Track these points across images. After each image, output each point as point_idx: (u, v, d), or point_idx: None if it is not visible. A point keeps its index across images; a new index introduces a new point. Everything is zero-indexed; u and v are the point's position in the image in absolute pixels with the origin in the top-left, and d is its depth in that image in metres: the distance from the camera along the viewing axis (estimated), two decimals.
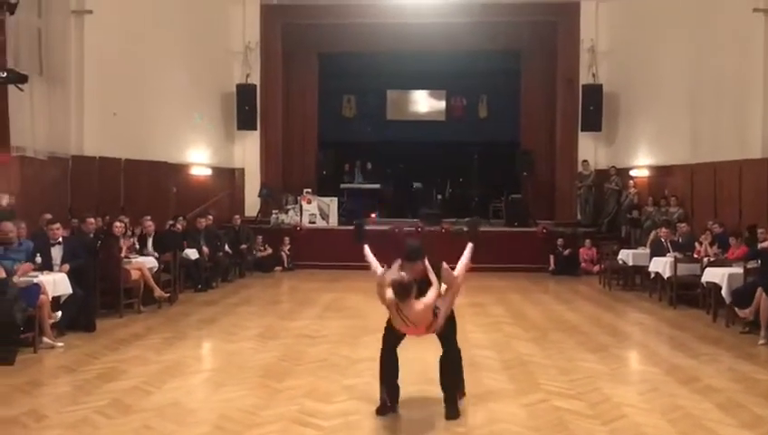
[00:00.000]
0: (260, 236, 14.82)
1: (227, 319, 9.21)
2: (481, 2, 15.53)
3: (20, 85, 10.10)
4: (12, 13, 10.05)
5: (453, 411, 5.03)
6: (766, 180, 11.78)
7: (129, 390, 5.75)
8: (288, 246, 14.98)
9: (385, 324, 5.17)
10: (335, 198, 16.16)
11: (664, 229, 11.74)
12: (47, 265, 8.11)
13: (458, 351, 5.25)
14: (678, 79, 14.08)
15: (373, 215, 16.57)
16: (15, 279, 7.15)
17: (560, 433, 4.81)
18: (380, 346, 5.22)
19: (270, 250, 14.81)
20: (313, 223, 15.67)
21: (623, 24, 15.89)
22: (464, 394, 5.37)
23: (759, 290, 8.01)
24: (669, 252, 10.98)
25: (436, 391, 5.19)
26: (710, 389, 5.88)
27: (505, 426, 4.92)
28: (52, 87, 11.89)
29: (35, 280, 7.38)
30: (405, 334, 5.07)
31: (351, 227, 15.37)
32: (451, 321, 5.15)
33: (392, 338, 5.13)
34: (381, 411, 5.12)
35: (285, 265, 14.83)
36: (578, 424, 4.98)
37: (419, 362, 5.89)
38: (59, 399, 5.57)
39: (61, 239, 8.50)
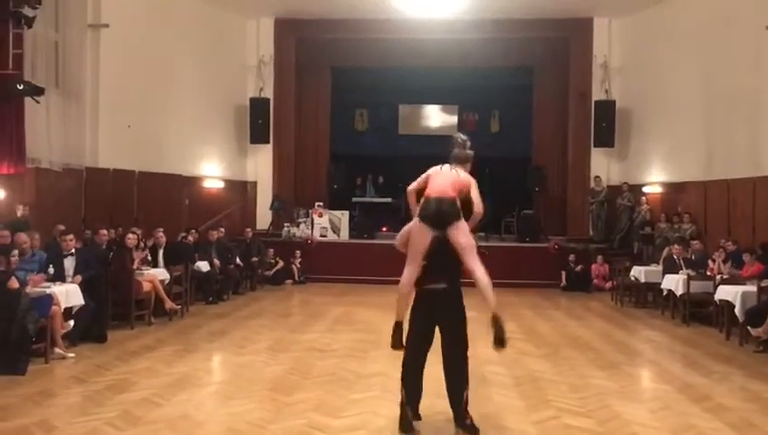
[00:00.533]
0: (271, 249, 14.86)
1: (238, 332, 9.22)
2: (493, 18, 15.58)
3: (36, 97, 10.25)
4: (29, 26, 10.22)
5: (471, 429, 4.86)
6: None
7: (139, 401, 5.77)
8: (299, 260, 15.01)
9: (408, 325, 4.90)
10: (346, 212, 16.20)
11: (677, 246, 11.67)
12: (60, 276, 8.17)
13: (467, 348, 4.94)
14: (691, 95, 14.05)
15: (384, 229, 16.56)
16: (28, 290, 7.20)
17: None
18: (402, 356, 4.93)
19: (281, 263, 14.84)
20: (324, 236, 15.71)
21: (636, 39, 15.89)
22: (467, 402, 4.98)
23: None
24: (682, 269, 10.91)
25: (444, 405, 5.14)
26: (722, 408, 5.82)
27: None
28: (68, 99, 12.05)
29: (48, 291, 7.44)
30: (431, 339, 4.86)
31: (363, 240, 15.54)
32: (462, 315, 4.92)
33: (417, 342, 4.84)
34: (405, 429, 4.89)
35: (296, 278, 14.85)
36: None
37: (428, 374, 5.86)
38: (69, 409, 5.59)
39: (73, 250, 8.56)
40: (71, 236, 8.69)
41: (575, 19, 16.12)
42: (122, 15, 13.10)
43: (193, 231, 12.50)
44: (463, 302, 4.89)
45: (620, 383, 6.65)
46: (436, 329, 4.90)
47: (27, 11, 10.02)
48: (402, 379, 4.90)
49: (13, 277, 6.95)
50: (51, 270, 8.09)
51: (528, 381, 6.66)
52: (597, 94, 16.12)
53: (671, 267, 11.22)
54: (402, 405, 4.90)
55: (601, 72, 16.12)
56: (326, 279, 14.74)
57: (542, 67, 17.69)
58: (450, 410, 4.95)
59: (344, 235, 15.89)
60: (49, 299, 7.26)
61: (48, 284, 7.75)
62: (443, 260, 4.77)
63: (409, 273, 4.81)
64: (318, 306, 11.65)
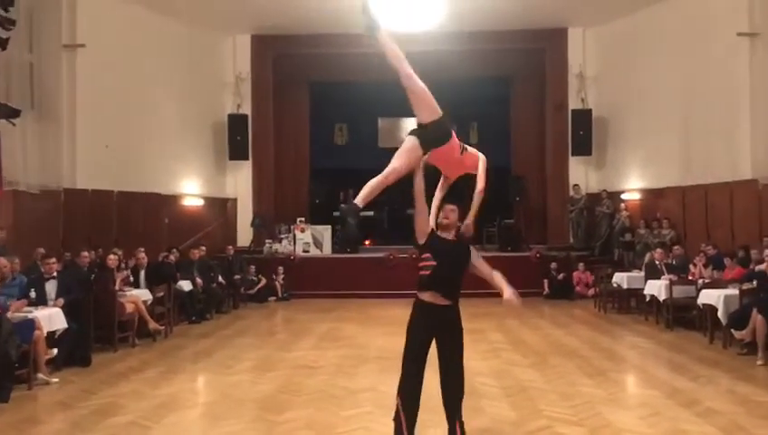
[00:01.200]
0: (253, 266, 14.76)
1: (223, 351, 9.13)
2: (469, 30, 15.70)
3: (12, 120, 10.13)
4: (4, 48, 10.10)
5: None
6: (756, 201, 11.91)
7: (126, 425, 5.68)
8: (282, 276, 14.91)
9: (406, 339, 4.76)
10: (329, 227, 16.15)
11: (659, 251, 11.79)
12: (42, 300, 8.05)
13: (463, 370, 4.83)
14: (667, 102, 14.24)
15: (367, 242, 16.55)
16: (9, 315, 7.08)
17: None
18: (400, 370, 4.77)
19: (264, 280, 14.74)
20: (307, 252, 15.65)
21: (610, 49, 16.09)
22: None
23: (754, 311, 8.04)
24: (664, 274, 11.01)
25: (437, 420, 5.11)
26: (711, 411, 5.86)
27: None
28: (45, 121, 11.92)
29: (30, 315, 7.31)
30: (427, 352, 4.74)
31: (347, 255, 15.51)
32: (461, 338, 4.81)
33: (416, 356, 4.70)
34: None
35: (280, 294, 14.75)
36: None
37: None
38: None
39: (55, 274, 8.44)
40: (53, 260, 8.57)
41: (550, 30, 16.30)
42: (98, 35, 13.03)
43: (174, 250, 12.39)
44: (461, 322, 4.80)
45: (609, 390, 6.68)
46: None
47: (1, 32, 9.91)
48: (399, 393, 4.78)
49: None
50: (32, 294, 7.96)
51: (518, 392, 6.66)
52: (573, 103, 16.30)
53: (653, 273, 11.32)
54: (396, 421, 4.81)
55: (577, 81, 16.30)
56: (310, 295, 14.67)
57: (519, 78, 17.86)
58: (445, 423, 4.90)
59: (327, 250, 15.84)
60: (31, 324, 7.14)
61: (30, 308, 7.62)
62: (453, 278, 4.76)
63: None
64: (303, 323, 11.57)
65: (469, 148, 5.07)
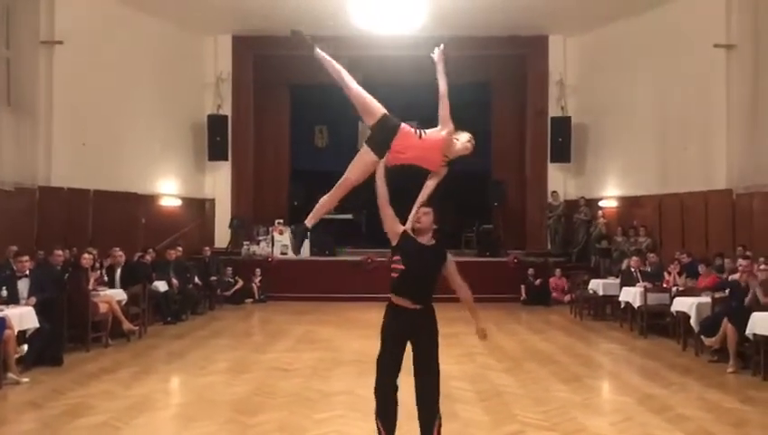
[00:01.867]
0: (230, 268, 14.67)
1: (197, 352, 9.06)
2: (450, 35, 15.65)
3: None
4: None
5: None
6: (731, 211, 12.08)
7: (97, 426, 5.62)
8: (259, 278, 14.84)
9: (380, 344, 4.72)
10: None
11: (635, 259, 11.89)
12: (13, 299, 7.94)
13: (438, 375, 4.73)
14: (646, 111, 14.40)
15: (349, 248, 16.51)
16: None
17: None
18: (374, 377, 4.69)
19: (241, 282, 14.65)
20: (285, 254, 15.58)
21: (590, 58, 16.23)
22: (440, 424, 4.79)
23: (725, 320, 8.14)
24: (639, 281, 11.10)
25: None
26: (682, 418, 5.92)
27: None
28: (21, 117, 11.79)
29: (1, 314, 7.20)
30: (401, 359, 4.65)
31: (324, 257, 15.46)
32: (435, 338, 4.72)
33: (388, 362, 4.64)
34: None
35: (256, 296, 14.67)
36: None
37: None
38: None
39: (27, 272, 8.33)
40: (26, 258, 8.46)
41: (531, 37, 16.39)
42: (77, 32, 12.89)
43: (150, 250, 12.28)
44: (437, 324, 4.71)
45: (583, 396, 6.73)
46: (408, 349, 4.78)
47: None
48: (375, 395, 4.67)
49: None
50: (4, 292, 7.85)
51: (492, 396, 6.68)
52: (553, 111, 16.40)
53: (628, 280, 11.42)
54: (377, 423, 4.73)
55: (557, 89, 16.41)
56: (287, 297, 14.60)
57: (500, 84, 17.93)
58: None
59: (305, 252, 15.76)
60: (2, 323, 7.03)
61: (1, 307, 7.51)
62: (423, 282, 4.68)
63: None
64: (279, 325, 11.52)
65: (428, 130, 4.92)
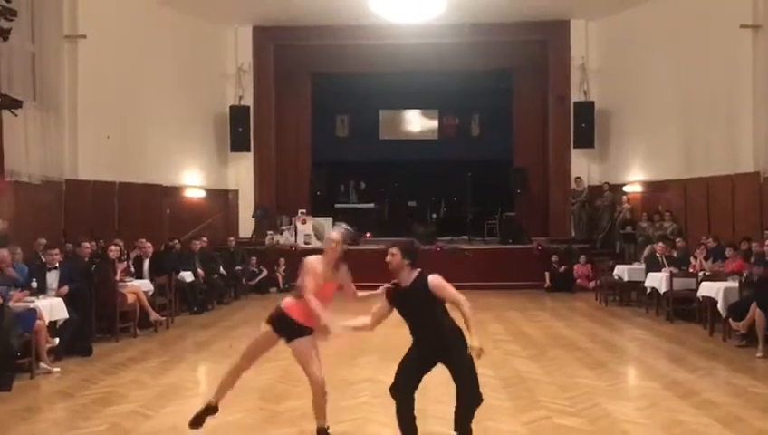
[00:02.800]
0: (254, 258, 14.79)
1: (223, 341, 9.16)
2: (471, 22, 15.64)
3: (14, 110, 10.14)
4: (5, 39, 10.06)
5: None
6: (758, 194, 11.89)
7: (127, 414, 5.72)
8: (283, 267, 14.94)
9: (406, 353, 4.76)
10: (330, 218, 16.15)
11: (660, 244, 11.79)
12: (43, 290, 8.08)
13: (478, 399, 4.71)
14: (669, 94, 14.21)
15: (368, 234, 16.55)
16: (11, 305, 7.11)
17: None
18: (392, 379, 4.73)
19: (265, 272, 14.77)
20: (308, 243, 15.65)
21: (613, 41, 16.05)
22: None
23: (754, 305, 8.05)
24: (665, 267, 11.01)
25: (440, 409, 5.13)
26: (709, 403, 5.88)
27: None
28: (46, 112, 11.93)
29: (31, 305, 7.35)
30: (424, 370, 4.71)
31: (347, 246, 15.44)
32: (470, 367, 4.65)
33: (411, 369, 4.67)
34: None
35: (281, 286, 14.79)
36: None
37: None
38: (57, 424, 5.54)
39: (57, 264, 8.47)
40: (56, 251, 8.62)
41: (552, 22, 16.25)
42: (99, 26, 13.00)
43: (176, 241, 12.42)
44: (465, 343, 4.54)
45: (608, 382, 6.71)
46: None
47: (3, 23, 9.87)
48: (391, 395, 4.72)
49: None
50: (34, 284, 8.00)
51: (517, 383, 6.69)
52: (576, 96, 16.26)
53: (654, 265, 11.33)
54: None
55: (580, 73, 16.26)
56: None
57: (521, 70, 17.79)
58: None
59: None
60: (33, 314, 7.17)
61: (31, 298, 7.66)
62: (427, 321, 4.63)
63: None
64: None
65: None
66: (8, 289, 7.45)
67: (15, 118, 10.42)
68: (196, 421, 4.97)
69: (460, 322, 4.56)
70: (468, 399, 4.65)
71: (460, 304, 4.51)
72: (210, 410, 5.04)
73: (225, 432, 5.22)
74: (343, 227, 5.12)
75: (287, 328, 4.90)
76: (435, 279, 4.57)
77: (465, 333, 4.53)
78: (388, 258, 4.69)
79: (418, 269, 4.65)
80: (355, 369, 7.38)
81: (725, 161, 12.68)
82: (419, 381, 4.68)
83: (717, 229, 12.41)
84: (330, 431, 4.92)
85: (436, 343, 4.59)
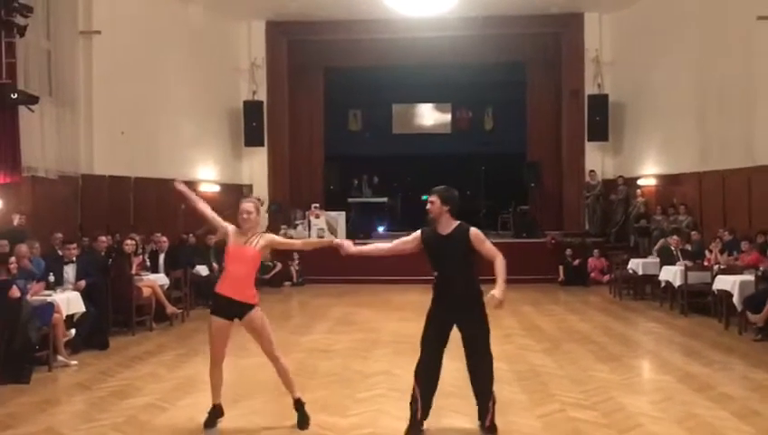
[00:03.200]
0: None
1: (239, 334, 9.10)
2: (484, 15, 15.60)
3: (31, 106, 10.24)
4: (22, 35, 10.18)
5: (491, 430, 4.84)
6: None
7: (144, 407, 5.78)
8: (297, 261, 15.00)
9: (425, 322, 4.89)
10: (343, 213, 16.20)
11: (675, 238, 11.73)
12: (60, 284, 8.16)
13: (491, 357, 4.96)
14: (684, 87, 14.09)
15: (381, 229, 16.59)
16: (29, 298, 7.20)
17: None
18: (412, 357, 4.92)
19: (279, 265, 14.83)
20: (322, 237, 15.68)
21: (627, 34, 15.95)
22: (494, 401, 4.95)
23: None
24: (679, 260, 10.96)
25: (455, 403, 5.17)
26: (725, 397, 5.86)
27: None
28: (62, 107, 12.01)
29: (49, 299, 7.44)
30: (446, 339, 4.86)
31: (360, 240, 15.53)
32: (486, 327, 4.91)
33: (433, 335, 4.82)
34: (413, 432, 4.84)
35: (295, 279, 14.85)
36: (593, 434, 4.97)
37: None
38: (75, 416, 5.60)
39: (74, 258, 8.56)
40: (73, 245, 8.74)
41: (566, 14, 16.17)
42: (114, 22, 13.06)
43: (191, 235, 12.50)
44: (483, 307, 4.78)
45: (623, 375, 6.70)
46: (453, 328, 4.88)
47: (19, 19, 9.99)
48: (416, 376, 4.87)
49: (14, 286, 6.94)
50: (51, 278, 8.08)
51: (531, 376, 6.69)
52: (590, 89, 16.18)
53: (668, 259, 11.27)
54: (412, 405, 4.88)
55: (594, 66, 16.18)
56: (324, 280, 14.73)
57: (535, 63, 17.71)
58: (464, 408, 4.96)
59: (341, 235, 15.85)
60: (50, 307, 7.25)
61: (49, 292, 7.74)
62: (455, 269, 4.78)
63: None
64: (318, 308, 11.66)
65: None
66: (26, 283, 7.54)
67: (32, 113, 10.54)
68: (207, 423, 5.19)
69: None
70: (483, 360, 4.84)
71: (496, 257, 4.73)
72: (216, 410, 5.26)
73: (243, 424, 5.26)
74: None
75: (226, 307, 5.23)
76: (476, 231, 4.77)
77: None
78: (428, 206, 4.86)
79: (459, 221, 4.81)
80: (369, 362, 7.41)
81: (741, 154, 12.55)
82: (442, 350, 4.84)
83: (733, 223, 12.31)
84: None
85: (461, 295, 4.73)
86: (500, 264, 4.70)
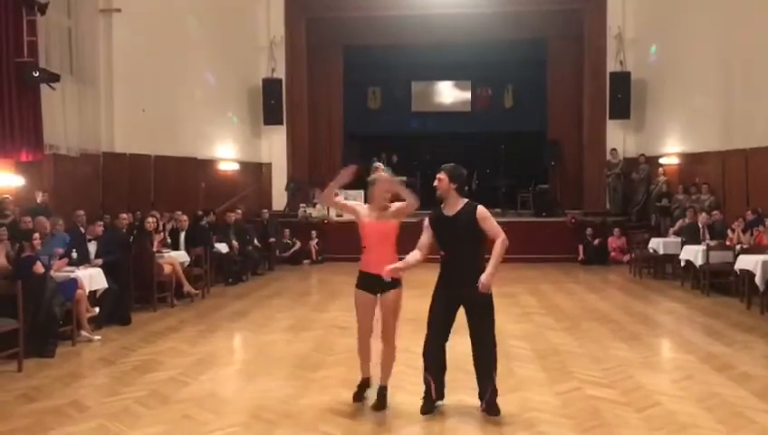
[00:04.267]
0: (287, 230, 14.94)
1: (259, 311, 9.31)
2: None
3: (52, 84, 10.31)
4: (43, 13, 10.24)
5: (494, 410, 4.84)
6: None
7: (166, 381, 5.86)
8: (316, 240, 15.06)
9: (431, 302, 4.94)
10: (362, 191, 16.14)
11: (703, 214, 11.63)
12: (84, 260, 8.27)
13: (494, 344, 4.90)
14: (708, 64, 13.85)
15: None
16: (52, 274, 7.29)
17: (593, 421, 4.81)
18: (425, 332, 4.96)
19: (298, 244, 14.91)
20: (341, 216, 15.70)
21: (650, 10, 15.68)
22: (496, 392, 4.92)
23: None
24: (707, 237, 10.86)
25: (468, 380, 5.17)
26: (746, 376, 5.83)
27: (539, 414, 4.93)
28: (83, 85, 12.09)
29: (72, 275, 7.54)
30: (452, 319, 4.87)
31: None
32: (491, 311, 4.85)
33: (438, 315, 4.86)
34: (426, 409, 4.91)
35: (314, 257, 14.92)
36: (611, 412, 4.97)
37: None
38: (99, 390, 5.70)
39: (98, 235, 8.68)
40: (99, 223, 8.86)
41: None
42: (134, 0, 13.08)
43: (211, 213, 12.58)
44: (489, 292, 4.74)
45: (642, 354, 6.67)
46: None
47: None
48: (424, 357, 4.95)
49: (38, 262, 7.04)
50: (74, 255, 8.18)
51: (550, 355, 6.69)
52: (611, 66, 15.97)
53: (694, 236, 11.17)
54: (426, 384, 4.94)
55: (616, 43, 15.95)
56: (343, 258, 14.71)
57: (556, 40, 17.51)
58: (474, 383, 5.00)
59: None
60: (74, 283, 7.36)
61: (72, 268, 7.85)
62: (461, 260, 4.79)
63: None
64: (336, 285, 11.69)
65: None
66: (50, 258, 7.64)
67: (53, 92, 10.61)
68: (356, 397, 5.25)
69: None
70: (486, 341, 4.81)
71: (498, 237, 4.68)
72: (365, 383, 5.30)
73: (263, 399, 5.31)
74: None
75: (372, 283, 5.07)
76: (482, 208, 4.76)
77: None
78: (436, 183, 4.88)
79: (467, 199, 4.81)
80: None
81: (765, 133, 12.35)
82: (448, 332, 4.88)
83: (756, 202, 12.12)
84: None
85: (467, 275, 4.69)
86: (498, 245, 4.65)
